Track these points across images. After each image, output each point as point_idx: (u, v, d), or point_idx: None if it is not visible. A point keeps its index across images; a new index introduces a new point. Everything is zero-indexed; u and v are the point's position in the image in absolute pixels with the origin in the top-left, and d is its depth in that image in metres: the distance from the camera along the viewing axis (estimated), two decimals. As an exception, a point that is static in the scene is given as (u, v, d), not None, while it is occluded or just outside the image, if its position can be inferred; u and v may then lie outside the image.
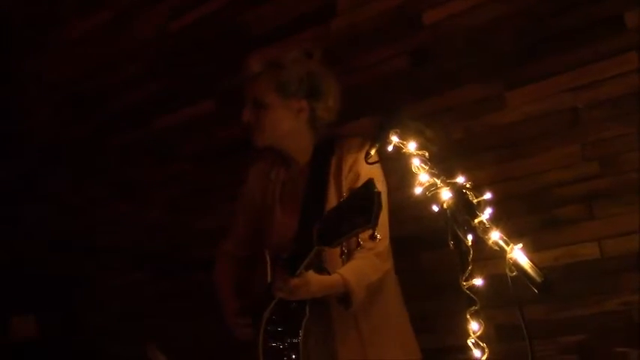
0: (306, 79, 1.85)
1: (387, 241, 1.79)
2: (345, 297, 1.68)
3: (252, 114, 1.86)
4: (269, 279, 1.73)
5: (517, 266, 1.13)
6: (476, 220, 1.19)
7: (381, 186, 1.80)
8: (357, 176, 1.79)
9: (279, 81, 1.83)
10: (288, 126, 1.87)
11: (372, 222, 1.30)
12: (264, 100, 1.84)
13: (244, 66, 1.88)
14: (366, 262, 1.74)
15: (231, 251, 2.08)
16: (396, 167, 1.44)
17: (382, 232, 1.75)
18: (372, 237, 1.32)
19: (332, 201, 1.80)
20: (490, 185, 1.37)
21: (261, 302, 1.72)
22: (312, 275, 1.62)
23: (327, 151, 1.89)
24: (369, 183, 1.33)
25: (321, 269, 1.66)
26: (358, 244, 1.44)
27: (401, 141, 1.34)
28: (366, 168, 1.75)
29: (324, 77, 1.88)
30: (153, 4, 3.20)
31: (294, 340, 1.67)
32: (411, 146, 1.33)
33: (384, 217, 1.79)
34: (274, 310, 1.69)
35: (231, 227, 2.10)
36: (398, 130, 1.35)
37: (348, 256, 1.74)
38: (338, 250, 1.74)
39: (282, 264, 1.59)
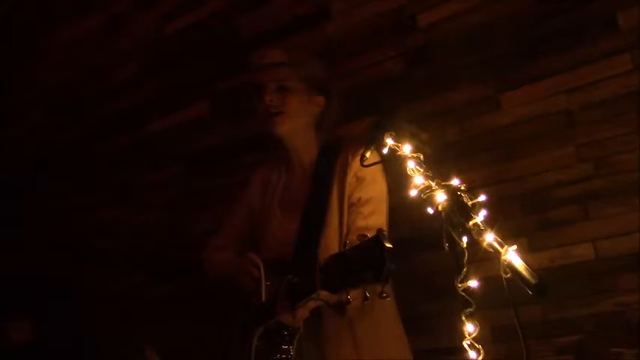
0: (323, 77, 1.89)
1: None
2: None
3: (276, 97, 1.82)
4: (263, 297, 1.66)
5: (511, 268, 1.14)
6: (470, 222, 1.19)
7: (382, 188, 1.80)
8: (362, 181, 1.77)
9: (303, 72, 1.83)
10: (305, 119, 1.86)
11: (381, 279, 1.26)
12: (290, 85, 1.82)
13: (261, 55, 1.85)
14: None
15: (220, 245, 2.02)
16: (391, 169, 1.44)
17: None
18: (380, 295, 1.28)
19: (334, 206, 1.78)
20: (485, 187, 1.37)
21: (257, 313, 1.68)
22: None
23: (332, 154, 1.88)
24: (379, 237, 1.28)
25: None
26: None
27: (396, 143, 1.34)
28: (369, 172, 1.74)
29: (332, 80, 1.93)
30: (146, 7, 3.20)
31: (287, 349, 1.62)
32: (406, 148, 1.33)
33: (384, 221, 1.78)
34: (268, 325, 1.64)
35: (221, 226, 2.08)
36: (393, 133, 1.36)
37: None
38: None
39: (283, 292, 1.54)
